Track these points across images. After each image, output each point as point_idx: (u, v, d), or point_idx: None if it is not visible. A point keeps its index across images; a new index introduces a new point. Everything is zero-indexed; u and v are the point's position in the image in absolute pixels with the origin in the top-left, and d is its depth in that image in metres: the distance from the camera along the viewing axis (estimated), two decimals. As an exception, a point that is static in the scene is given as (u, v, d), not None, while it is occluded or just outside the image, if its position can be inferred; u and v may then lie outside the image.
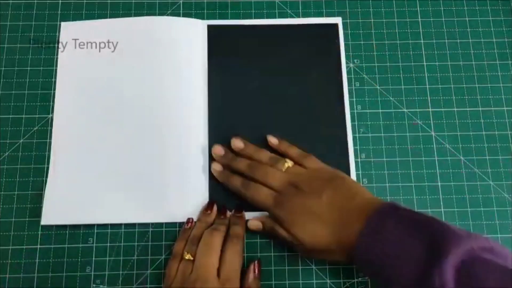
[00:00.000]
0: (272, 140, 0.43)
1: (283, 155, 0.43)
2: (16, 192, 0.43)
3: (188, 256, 0.39)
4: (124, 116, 0.45)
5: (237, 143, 0.43)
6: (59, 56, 0.47)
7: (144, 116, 0.45)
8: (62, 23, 0.48)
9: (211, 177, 0.44)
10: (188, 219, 0.42)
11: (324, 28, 0.49)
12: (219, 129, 0.45)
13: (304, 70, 0.47)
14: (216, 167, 0.43)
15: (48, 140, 0.45)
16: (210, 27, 0.48)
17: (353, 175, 0.44)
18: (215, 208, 0.43)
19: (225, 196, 0.43)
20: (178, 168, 0.44)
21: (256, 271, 0.40)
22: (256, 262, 0.40)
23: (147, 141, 0.44)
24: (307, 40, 0.48)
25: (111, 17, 0.48)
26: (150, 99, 0.45)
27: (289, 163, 0.41)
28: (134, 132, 0.45)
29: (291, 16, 0.49)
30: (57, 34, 0.48)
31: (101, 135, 0.44)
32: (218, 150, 0.43)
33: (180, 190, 0.43)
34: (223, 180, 0.43)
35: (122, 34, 0.47)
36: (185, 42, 0.47)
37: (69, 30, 0.48)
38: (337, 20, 0.49)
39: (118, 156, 0.44)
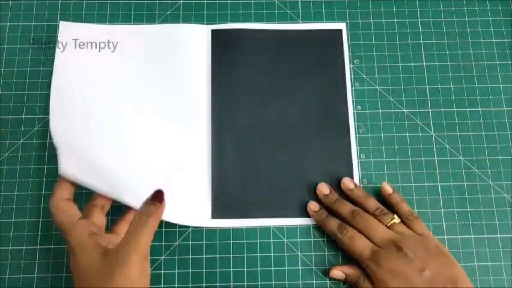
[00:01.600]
0: (386, 187, 0.42)
1: (390, 207, 0.41)
2: (15, 193, 0.43)
3: None
4: (124, 119, 0.45)
5: (348, 183, 0.43)
6: (57, 56, 0.46)
7: (145, 119, 0.45)
8: (61, 23, 0.48)
9: (214, 179, 0.44)
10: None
11: (329, 34, 0.48)
12: (222, 132, 0.45)
13: (308, 75, 0.47)
14: (313, 206, 0.42)
15: (48, 141, 0.45)
16: (214, 32, 0.48)
17: (355, 177, 0.44)
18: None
19: (229, 198, 0.43)
20: (180, 170, 0.44)
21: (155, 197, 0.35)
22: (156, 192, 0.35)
23: (148, 143, 0.44)
24: (311, 45, 0.48)
25: (110, 17, 0.49)
26: (151, 101, 0.45)
27: (396, 220, 0.40)
28: (135, 134, 0.44)
29: (291, 17, 0.49)
30: (57, 34, 0.48)
31: (100, 136, 0.44)
32: (324, 188, 0.43)
33: (183, 192, 0.43)
34: (318, 219, 0.42)
35: (122, 37, 0.47)
36: (189, 47, 0.47)
37: (67, 31, 0.47)
38: (342, 26, 0.49)
39: (118, 157, 0.44)
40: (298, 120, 0.46)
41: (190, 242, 0.42)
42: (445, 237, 0.43)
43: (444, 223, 0.43)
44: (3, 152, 0.44)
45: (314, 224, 0.43)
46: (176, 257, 0.42)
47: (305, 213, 0.43)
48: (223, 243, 0.42)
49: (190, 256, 0.42)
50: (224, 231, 0.43)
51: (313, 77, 0.47)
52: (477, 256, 0.42)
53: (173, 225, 0.42)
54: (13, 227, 0.42)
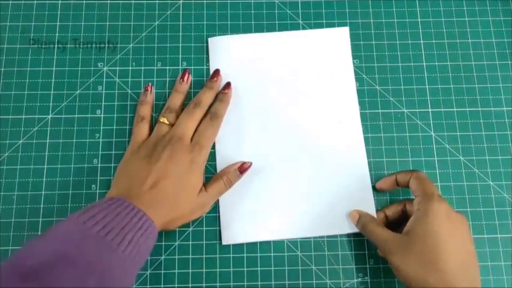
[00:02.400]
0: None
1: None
2: (15, 193, 0.43)
3: (163, 120, 0.42)
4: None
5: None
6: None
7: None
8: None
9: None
10: (146, 85, 0.45)
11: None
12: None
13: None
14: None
15: (47, 141, 0.45)
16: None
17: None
18: (190, 77, 0.45)
19: None
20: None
21: (242, 168, 0.42)
22: (248, 164, 0.42)
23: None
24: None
25: (110, 17, 0.49)
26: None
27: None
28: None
29: (291, 17, 0.49)
30: (56, 34, 0.48)
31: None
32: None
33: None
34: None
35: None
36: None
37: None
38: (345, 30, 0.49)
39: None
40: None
41: (190, 242, 0.42)
42: (445, 237, 0.43)
43: (444, 223, 0.43)
44: (3, 152, 0.44)
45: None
46: (176, 257, 0.42)
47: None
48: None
49: (190, 256, 0.42)
50: (224, 231, 0.43)
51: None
52: (478, 256, 0.42)
53: (173, 225, 0.43)
54: (13, 227, 0.42)
